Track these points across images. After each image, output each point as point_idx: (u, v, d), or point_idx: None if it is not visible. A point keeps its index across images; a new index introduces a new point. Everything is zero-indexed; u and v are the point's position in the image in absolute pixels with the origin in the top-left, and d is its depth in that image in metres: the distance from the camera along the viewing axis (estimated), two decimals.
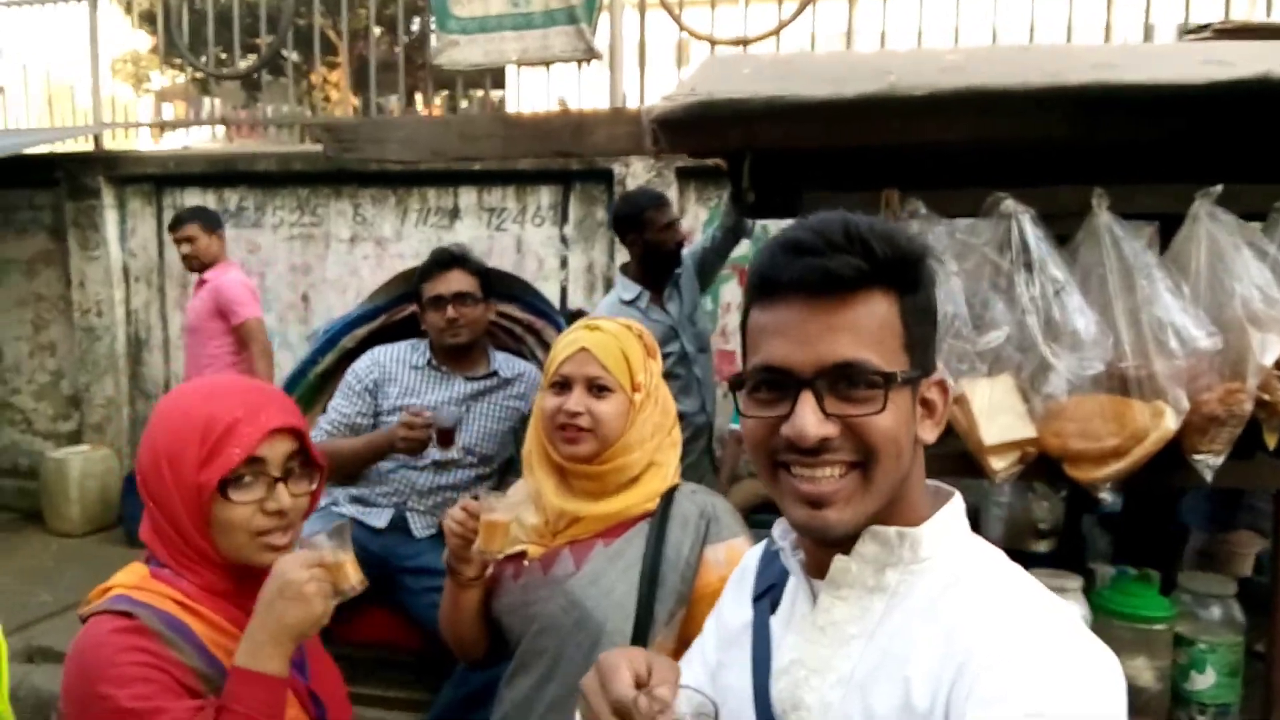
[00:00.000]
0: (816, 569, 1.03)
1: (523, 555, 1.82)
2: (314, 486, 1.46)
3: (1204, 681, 1.81)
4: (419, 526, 2.87)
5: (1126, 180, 1.76)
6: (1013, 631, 0.89)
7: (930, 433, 1.01)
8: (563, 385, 1.75)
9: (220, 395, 1.41)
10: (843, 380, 0.93)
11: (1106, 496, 1.71)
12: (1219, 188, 1.70)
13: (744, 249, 4.43)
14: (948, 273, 1.69)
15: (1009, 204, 1.74)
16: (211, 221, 5.43)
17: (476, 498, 1.69)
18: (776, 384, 0.96)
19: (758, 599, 1.14)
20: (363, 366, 2.90)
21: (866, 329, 0.93)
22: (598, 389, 1.73)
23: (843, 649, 0.98)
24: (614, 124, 2.33)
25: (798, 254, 0.94)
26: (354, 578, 1.39)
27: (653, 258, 3.62)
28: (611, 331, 1.78)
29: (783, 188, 2.02)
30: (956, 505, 1.04)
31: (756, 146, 1.81)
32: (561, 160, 4.78)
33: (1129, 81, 1.67)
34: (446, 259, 2.83)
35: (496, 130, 2.51)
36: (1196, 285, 1.68)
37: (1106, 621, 1.85)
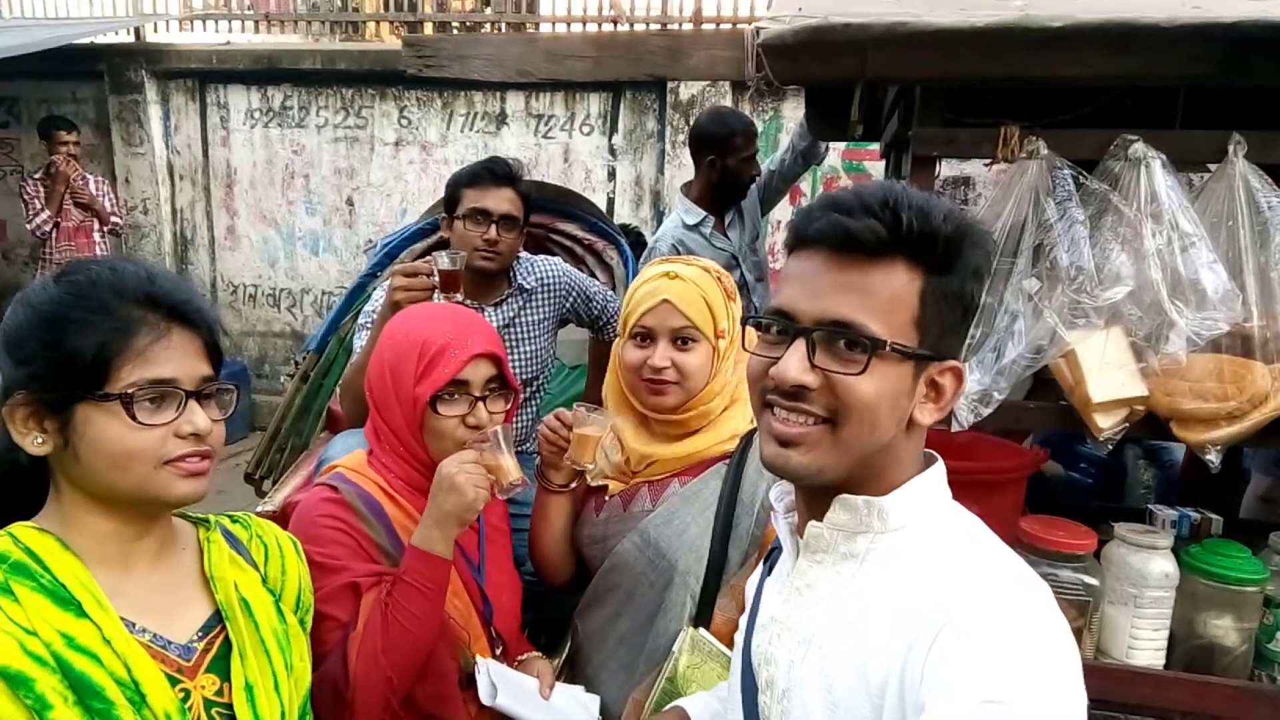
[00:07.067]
0: (803, 533, 1.06)
1: (605, 489, 1.84)
2: (509, 406, 1.68)
3: None
4: None
5: (1268, 127, 1.64)
6: (972, 610, 0.87)
7: (930, 416, 0.99)
8: (645, 337, 1.70)
9: (438, 321, 1.65)
10: (837, 337, 0.94)
11: (1213, 459, 1.66)
12: None
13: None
14: (1070, 220, 1.60)
15: (1138, 148, 1.63)
16: None
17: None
18: (782, 328, 0.99)
19: (766, 558, 1.19)
20: (376, 305, 2.52)
21: (875, 295, 0.93)
22: (682, 340, 1.68)
23: (811, 610, 1.01)
24: (713, 46, 2.19)
25: (832, 210, 0.95)
26: (514, 474, 1.53)
27: (725, 184, 3.48)
28: (693, 279, 1.70)
29: (887, 117, 1.91)
30: (934, 473, 1.02)
31: (870, 77, 1.70)
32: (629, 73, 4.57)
33: None
34: (503, 172, 2.53)
35: (586, 50, 2.35)
36: None
37: (1193, 580, 1.82)
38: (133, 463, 1.08)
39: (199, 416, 1.12)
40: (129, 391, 1.07)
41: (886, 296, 0.93)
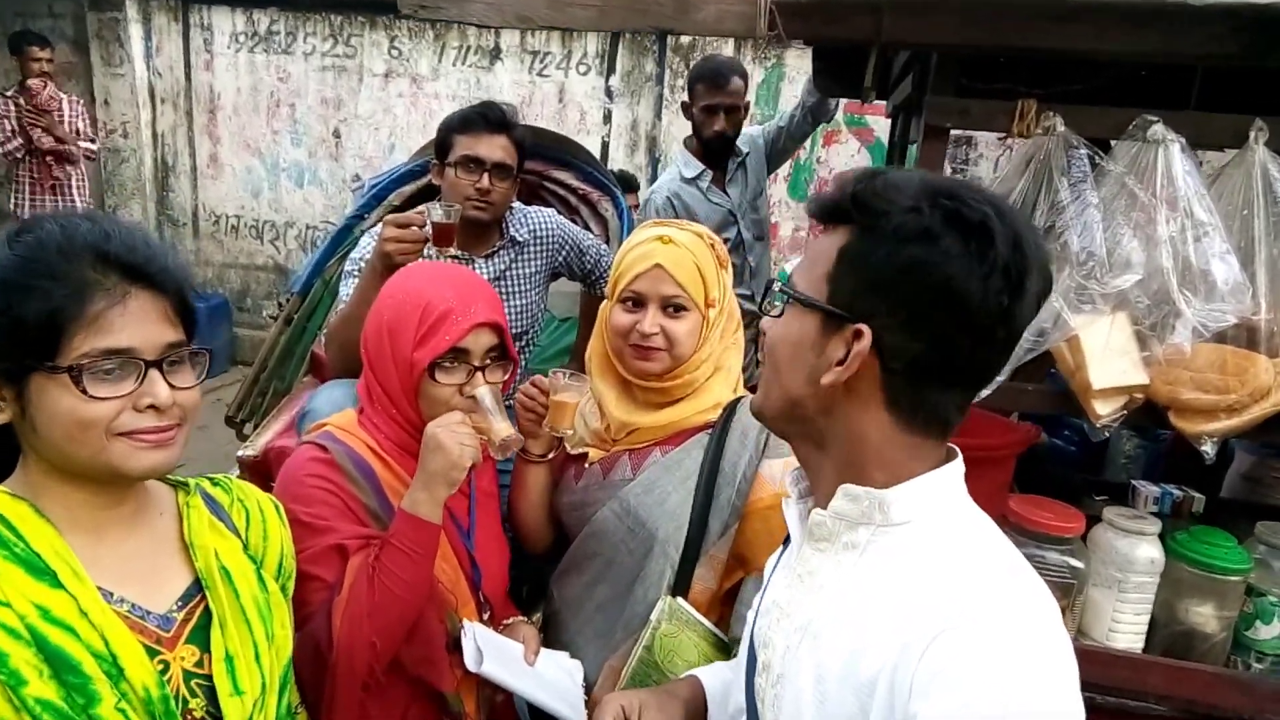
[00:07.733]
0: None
1: (585, 456, 1.82)
2: (506, 376, 1.62)
3: (1269, 632, 1.81)
4: None
5: None
6: (969, 620, 0.85)
7: (830, 376, 0.96)
8: (635, 302, 1.66)
9: (441, 283, 1.58)
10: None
11: (1209, 450, 1.65)
12: None
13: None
14: (1084, 203, 1.55)
15: (1158, 129, 1.58)
16: None
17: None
18: None
19: (785, 540, 1.17)
20: (364, 252, 2.42)
21: (809, 255, 1.03)
22: (673, 308, 1.64)
23: (810, 597, 1.01)
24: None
25: None
26: (506, 432, 1.51)
27: (697, 134, 3.38)
28: (686, 245, 1.66)
29: (898, 78, 1.84)
30: (949, 470, 0.99)
31: (885, 40, 1.63)
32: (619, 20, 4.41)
33: None
34: (498, 118, 2.40)
35: None
36: None
37: (1178, 567, 1.83)
38: (86, 434, 1.02)
39: (160, 388, 1.05)
40: (80, 363, 1.00)
41: (815, 254, 1.01)
